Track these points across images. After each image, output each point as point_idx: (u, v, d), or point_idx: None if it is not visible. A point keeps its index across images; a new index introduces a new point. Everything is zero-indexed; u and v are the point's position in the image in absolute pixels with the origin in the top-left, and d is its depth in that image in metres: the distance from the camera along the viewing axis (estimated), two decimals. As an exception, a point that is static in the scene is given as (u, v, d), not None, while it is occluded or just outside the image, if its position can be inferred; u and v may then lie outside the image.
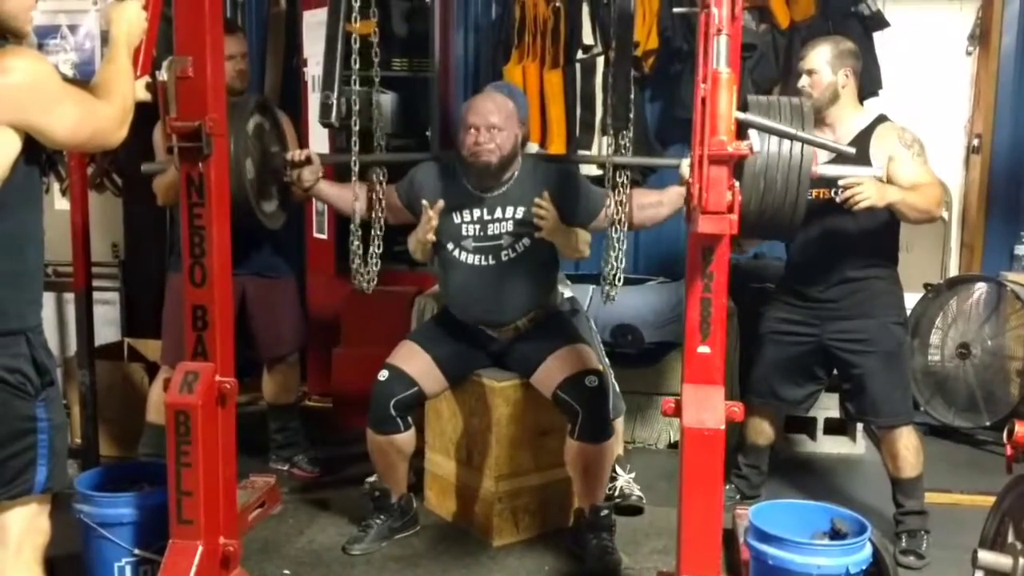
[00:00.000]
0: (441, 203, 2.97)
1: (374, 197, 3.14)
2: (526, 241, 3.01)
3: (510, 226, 3.01)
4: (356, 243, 3.12)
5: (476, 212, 3.03)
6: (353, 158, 3.08)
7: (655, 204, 3.07)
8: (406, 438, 3.09)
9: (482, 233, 3.03)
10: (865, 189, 2.83)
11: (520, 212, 3.00)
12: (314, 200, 4.51)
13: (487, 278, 3.04)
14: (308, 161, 3.07)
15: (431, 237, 2.99)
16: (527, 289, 3.07)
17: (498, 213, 3.02)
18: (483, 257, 3.04)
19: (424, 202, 2.99)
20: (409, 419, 3.08)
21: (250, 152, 3.00)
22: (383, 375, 3.05)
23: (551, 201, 2.91)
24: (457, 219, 3.04)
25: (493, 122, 2.91)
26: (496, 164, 2.94)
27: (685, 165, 2.67)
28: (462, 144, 2.96)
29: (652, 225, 3.15)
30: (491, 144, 2.91)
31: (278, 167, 3.12)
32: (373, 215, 3.14)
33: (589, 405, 2.92)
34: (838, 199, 2.88)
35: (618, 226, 3.00)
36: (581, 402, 2.92)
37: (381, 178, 3.16)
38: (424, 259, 3.18)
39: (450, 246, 3.06)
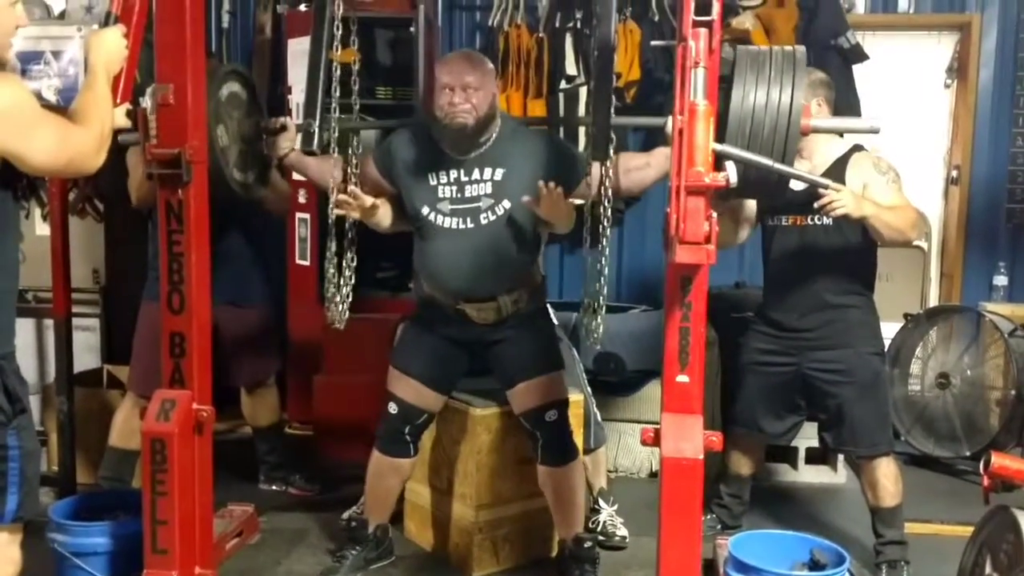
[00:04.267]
0: (369, 201, 2.82)
1: (349, 170, 3.01)
2: (506, 204, 2.85)
3: (488, 188, 2.85)
4: (332, 271, 3.02)
5: (452, 174, 2.87)
6: (333, 125, 2.97)
7: (641, 167, 2.91)
8: (412, 462, 3.10)
9: (459, 195, 2.87)
10: (843, 196, 2.84)
11: (499, 174, 2.85)
12: (296, 227, 4.56)
13: (465, 243, 2.87)
14: (283, 128, 3.02)
15: (354, 215, 2.86)
16: (508, 258, 2.89)
17: (475, 174, 2.86)
18: (460, 220, 2.87)
19: (353, 191, 2.84)
20: (418, 444, 3.08)
21: (223, 119, 2.88)
22: (393, 409, 3.01)
23: (538, 172, 2.79)
24: (433, 181, 2.88)
25: (468, 81, 2.75)
26: (472, 126, 2.78)
27: (670, 123, 2.59)
28: (437, 105, 2.81)
29: (639, 190, 3.02)
30: (466, 104, 2.75)
31: (253, 135, 3.03)
32: (339, 196, 2.93)
33: (547, 435, 2.95)
34: (816, 204, 2.86)
35: (604, 196, 2.79)
36: (540, 431, 2.95)
37: (356, 152, 3.04)
38: (383, 227, 2.98)
39: (425, 210, 2.89)
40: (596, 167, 2.81)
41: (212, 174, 2.70)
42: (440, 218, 2.89)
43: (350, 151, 3.01)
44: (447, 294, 2.94)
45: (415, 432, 3.04)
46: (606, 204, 2.81)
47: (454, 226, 2.87)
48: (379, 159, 3.02)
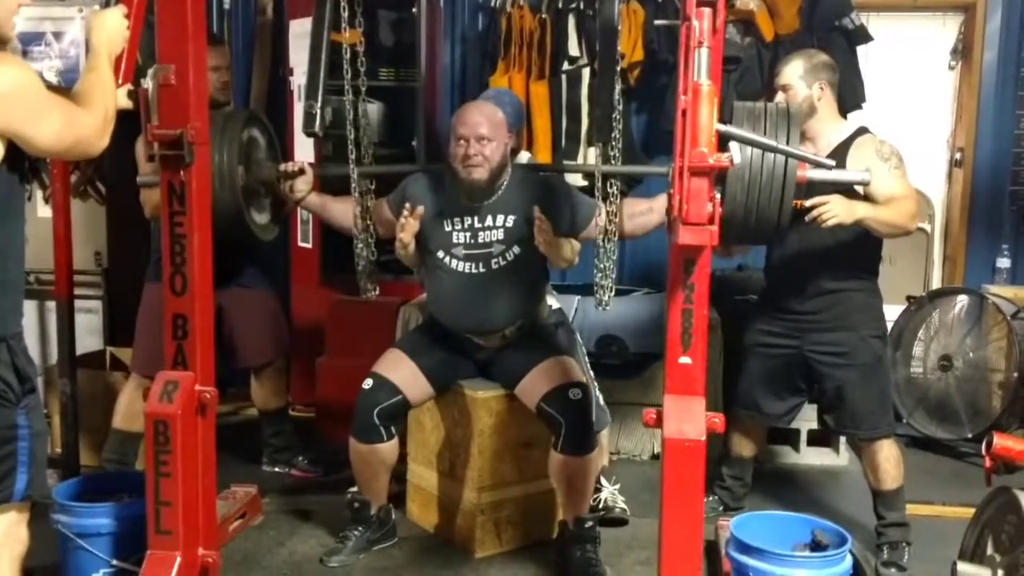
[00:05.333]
0: (421, 209, 3.00)
1: (362, 209, 3.16)
2: (516, 250, 3.03)
3: (500, 234, 3.03)
4: (361, 247, 3.17)
5: (467, 220, 3.04)
6: (352, 168, 3.09)
7: (644, 212, 3.07)
8: (389, 448, 3.09)
9: (472, 241, 3.04)
10: (832, 207, 2.83)
11: (510, 221, 3.03)
12: (299, 209, 4.55)
13: (476, 286, 3.06)
14: (301, 172, 3.14)
15: (406, 237, 2.99)
16: (515, 298, 3.09)
17: (488, 221, 3.03)
18: (473, 265, 3.06)
19: (407, 204, 3.02)
20: (393, 429, 3.09)
21: (243, 163, 3.01)
22: (367, 384, 3.06)
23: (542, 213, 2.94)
24: (448, 227, 3.06)
25: (482, 133, 2.94)
26: (486, 179, 2.97)
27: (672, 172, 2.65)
28: (452, 155, 2.99)
29: (643, 234, 3.13)
30: (479, 157, 2.93)
31: (271, 179, 3.14)
32: (365, 227, 3.17)
33: (572, 417, 2.92)
34: (806, 218, 2.86)
35: (609, 236, 2.97)
36: (564, 414, 2.92)
37: (370, 187, 3.18)
38: (411, 264, 3.21)
39: (440, 254, 3.08)
40: (601, 209, 2.95)
41: (232, 215, 2.89)
42: (454, 262, 3.06)
43: (364, 189, 3.16)
44: (455, 328, 3.14)
45: (384, 416, 3.04)
46: (612, 191, 2.94)
47: (467, 270, 3.06)
48: (394, 203, 3.17)
